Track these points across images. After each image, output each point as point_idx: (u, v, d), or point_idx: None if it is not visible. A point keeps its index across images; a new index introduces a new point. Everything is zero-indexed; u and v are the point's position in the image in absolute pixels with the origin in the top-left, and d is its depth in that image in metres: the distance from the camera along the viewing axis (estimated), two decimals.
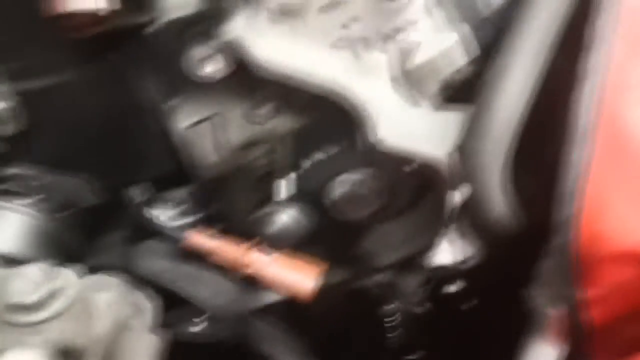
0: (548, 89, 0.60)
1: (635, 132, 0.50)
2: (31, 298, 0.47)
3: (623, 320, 0.42)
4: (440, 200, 0.56)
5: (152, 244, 0.73)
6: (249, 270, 0.51)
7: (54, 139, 0.66)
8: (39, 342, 0.46)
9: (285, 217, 0.57)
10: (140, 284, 0.70)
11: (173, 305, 0.79)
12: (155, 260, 0.71)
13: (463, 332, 0.78)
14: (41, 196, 0.71)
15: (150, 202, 0.69)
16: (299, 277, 0.51)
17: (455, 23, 0.62)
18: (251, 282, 0.52)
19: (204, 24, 0.52)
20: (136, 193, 0.68)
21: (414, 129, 0.53)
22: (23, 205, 0.69)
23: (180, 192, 0.70)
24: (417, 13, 0.60)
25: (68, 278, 0.51)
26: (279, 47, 0.50)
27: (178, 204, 0.72)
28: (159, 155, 0.67)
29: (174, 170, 0.70)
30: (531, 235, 0.51)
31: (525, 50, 0.58)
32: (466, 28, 0.64)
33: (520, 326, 0.52)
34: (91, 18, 0.47)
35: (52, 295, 0.48)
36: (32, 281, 0.48)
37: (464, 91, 0.69)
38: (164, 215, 0.70)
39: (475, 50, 0.64)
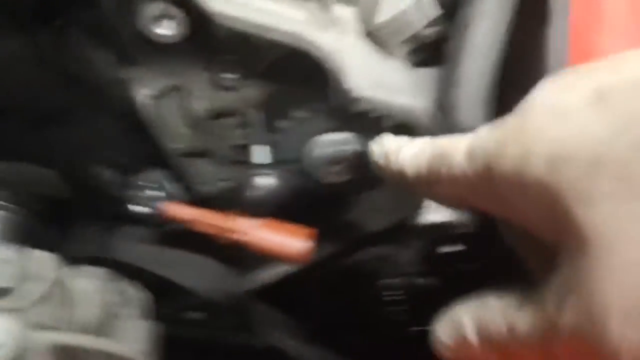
0: (518, 34, 0.60)
1: None
2: (4, 282, 0.44)
3: None
4: None
5: (130, 230, 0.71)
6: (235, 236, 0.49)
7: (5, 123, 0.60)
8: None
9: (265, 182, 0.55)
10: (123, 272, 0.68)
11: (161, 294, 0.77)
12: (136, 246, 0.69)
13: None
14: (7, 188, 0.68)
15: (122, 187, 0.66)
16: (288, 239, 0.49)
17: None
18: (239, 249, 0.50)
19: None
20: (106, 177, 0.66)
21: (386, 80, 0.52)
22: None
23: (153, 174, 0.68)
24: None
25: (43, 260, 0.49)
26: (238, 1, 0.48)
27: (152, 187, 0.70)
28: (124, 134, 0.64)
29: (142, 150, 0.67)
30: None
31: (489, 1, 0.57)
32: None
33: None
34: None
35: (26, 279, 0.46)
36: (4, 264, 0.45)
37: (430, 49, 0.69)
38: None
39: (437, 8, 0.63)
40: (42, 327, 0.47)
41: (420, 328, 0.85)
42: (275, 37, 0.49)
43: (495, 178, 0.33)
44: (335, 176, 0.59)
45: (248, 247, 0.50)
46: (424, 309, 0.82)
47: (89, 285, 0.57)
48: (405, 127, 0.54)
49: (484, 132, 0.35)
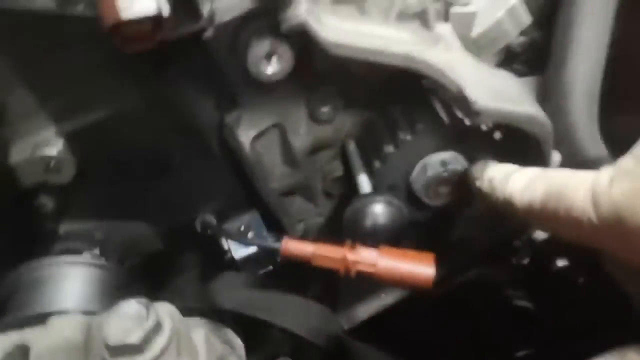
0: (627, 33, 0.57)
1: None
2: (135, 336, 0.42)
3: None
4: (542, 163, 0.51)
5: (228, 277, 0.69)
6: (359, 267, 0.47)
7: (110, 181, 0.60)
8: None
9: (377, 210, 0.52)
10: (223, 320, 0.65)
11: (255, 339, 0.75)
12: (236, 292, 0.67)
13: (579, 313, 0.71)
14: (105, 247, 0.67)
15: (222, 232, 0.65)
16: (414, 265, 0.46)
17: None
18: (364, 280, 0.47)
19: (260, 20, 0.48)
20: (208, 224, 0.64)
21: (504, 91, 0.50)
22: (88, 259, 0.65)
23: (251, 215, 0.66)
24: None
25: (165, 312, 0.46)
26: (345, 29, 0.47)
27: (247, 229, 0.68)
28: (226, 179, 0.63)
29: (241, 193, 0.66)
30: None
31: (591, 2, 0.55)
32: None
33: None
34: (147, 28, 0.42)
35: (154, 331, 0.44)
36: (131, 318, 0.43)
37: (522, 58, 0.66)
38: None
39: (529, 17, 0.61)
40: None
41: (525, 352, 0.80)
42: (386, 60, 0.47)
43: (629, 230, 0.32)
44: (444, 197, 0.57)
45: (373, 278, 0.47)
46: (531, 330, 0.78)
47: (201, 336, 0.55)
48: (522, 139, 0.51)
49: (608, 177, 0.34)
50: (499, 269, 0.75)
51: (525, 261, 0.72)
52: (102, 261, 0.66)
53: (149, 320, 0.43)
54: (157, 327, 0.44)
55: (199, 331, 0.54)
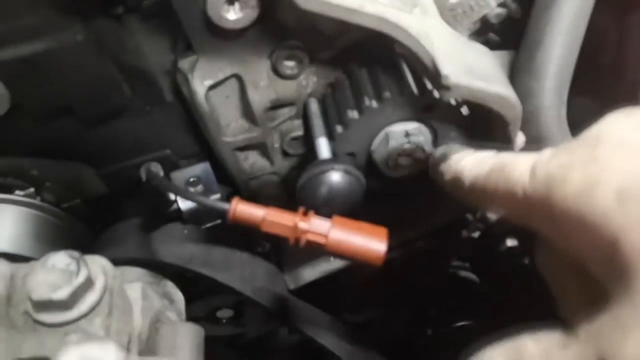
0: (603, 17, 0.55)
1: None
2: (62, 292, 0.39)
3: None
4: (507, 142, 0.50)
5: (172, 228, 0.66)
6: (310, 237, 0.44)
7: (49, 118, 0.56)
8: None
9: (334, 178, 0.50)
10: (164, 272, 0.63)
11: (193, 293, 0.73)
12: (180, 246, 0.64)
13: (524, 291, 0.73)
14: (41, 186, 0.63)
15: (169, 182, 0.61)
16: (367, 241, 0.44)
17: None
18: (312, 250, 0.45)
19: None
20: (152, 174, 0.60)
21: (477, 66, 0.47)
22: (23, 197, 0.61)
23: (202, 166, 0.63)
24: None
25: (97, 266, 0.43)
26: None
27: (197, 181, 0.65)
28: (177, 127, 0.59)
29: (193, 143, 0.63)
30: None
31: None
32: None
33: None
34: None
35: (83, 288, 0.41)
36: (59, 272, 0.40)
37: (500, 29, 0.64)
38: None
39: None
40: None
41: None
42: (359, 20, 0.43)
43: (555, 201, 0.32)
44: (404, 169, 0.55)
45: (323, 249, 0.45)
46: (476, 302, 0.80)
47: (137, 291, 0.53)
48: (489, 116, 0.49)
49: (549, 153, 0.34)
50: (448, 239, 0.75)
51: (475, 234, 0.72)
52: (37, 200, 0.62)
53: (79, 276, 0.40)
54: (88, 284, 0.41)
55: (135, 286, 0.51)
